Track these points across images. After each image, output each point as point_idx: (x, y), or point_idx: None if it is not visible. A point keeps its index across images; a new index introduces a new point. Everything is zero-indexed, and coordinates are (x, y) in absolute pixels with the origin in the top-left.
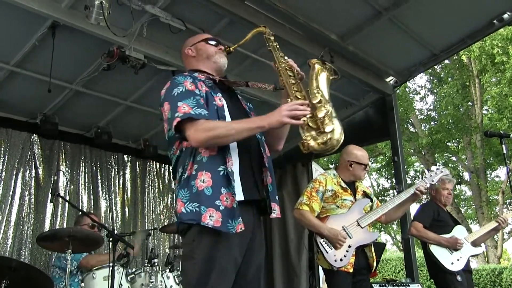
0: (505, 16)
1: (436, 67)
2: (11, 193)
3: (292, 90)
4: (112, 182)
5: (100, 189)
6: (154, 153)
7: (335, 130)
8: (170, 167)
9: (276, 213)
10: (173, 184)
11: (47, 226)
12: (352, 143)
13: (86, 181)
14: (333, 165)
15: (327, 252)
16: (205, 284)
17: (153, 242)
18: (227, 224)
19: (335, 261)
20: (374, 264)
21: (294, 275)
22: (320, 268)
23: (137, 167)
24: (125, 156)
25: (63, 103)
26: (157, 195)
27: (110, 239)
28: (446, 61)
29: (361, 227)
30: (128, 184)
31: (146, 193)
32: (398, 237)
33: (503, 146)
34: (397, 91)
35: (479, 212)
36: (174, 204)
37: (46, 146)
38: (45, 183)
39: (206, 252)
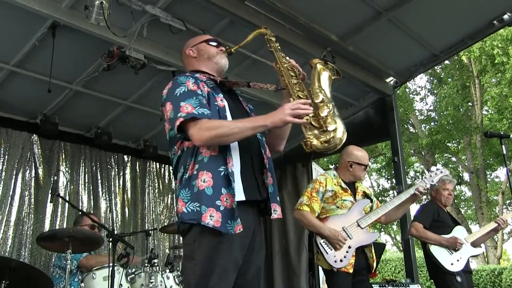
0: (505, 16)
1: (436, 67)
2: (11, 193)
3: (294, 90)
4: (112, 183)
5: (100, 189)
6: (154, 153)
7: (338, 129)
8: (170, 168)
9: (277, 214)
10: (173, 185)
11: (47, 226)
12: (352, 144)
13: (86, 181)
14: (333, 165)
15: (327, 253)
16: (205, 285)
17: (153, 242)
18: (226, 225)
19: (335, 261)
20: (374, 264)
21: (294, 275)
22: (320, 268)
23: (137, 168)
24: (125, 156)
25: (63, 103)
26: (157, 195)
27: (110, 239)
28: (446, 62)
29: (361, 227)
30: (128, 184)
31: (146, 193)
32: (398, 238)
33: (503, 146)
34: (397, 92)
35: (479, 213)
36: (175, 204)
37: (46, 146)
38: (45, 183)
39: (206, 253)
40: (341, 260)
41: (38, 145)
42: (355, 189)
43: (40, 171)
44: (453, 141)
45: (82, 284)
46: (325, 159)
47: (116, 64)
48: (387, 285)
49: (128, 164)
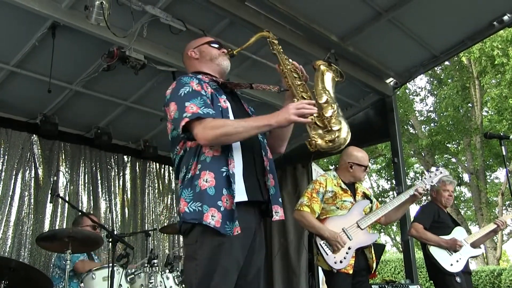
0: (505, 17)
1: (436, 68)
2: (10, 193)
3: (298, 91)
4: (112, 183)
5: (100, 189)
6: (154, 153)
7: (342, 129)
8: (170, 168)
9: (279, 215)
10: (173, 185)
11: (46, 227)
12: (352, 144)
13: (86, 181)
14: (333, 166)
15: (327, 254)
16: (207, 285)
17: (153, 242)
18: (225, 226)
19: (335, 263)
20: (374, 265)
21: (294, 276)
22: (319, 269)
23: (137, 168)
24: (125, 157)
25: (63, 103)
26: (157, 195)
27: (110, 239)
28: (446, 63)
29: (361, 228)
30: (128, 184)
31: (146, 193)
32: (398, 239)
33: (503, 147)
34: (397, 93)
35: (479, 214)
36: (175, 205)
37: (46, 146)
38: (44, 184)
39: (208, 253)
40: (341, 261)
41: (38, 145)
42: (355, 190)
43: (40, 172)
44: (453, 142)
45: (82, 285)
46: (325, 160)
47: (116, 65)
48: (386, 286)
49: (128, 165)
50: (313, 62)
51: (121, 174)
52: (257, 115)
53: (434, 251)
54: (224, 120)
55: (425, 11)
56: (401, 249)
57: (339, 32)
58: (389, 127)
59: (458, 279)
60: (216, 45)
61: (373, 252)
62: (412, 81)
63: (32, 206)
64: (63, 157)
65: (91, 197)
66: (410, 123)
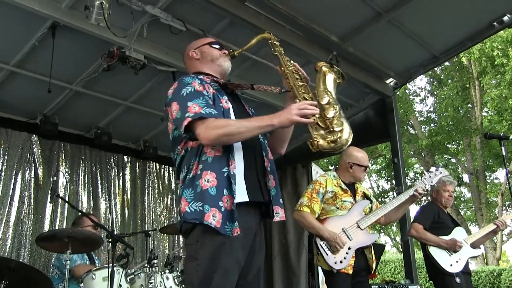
0: (505, 18)
1: (436, 69)
2: (10, 193)
3: (300, 92)
4: (112, 183)
5: (99, 189)
6: (154, 154)
7: (344, 129)
8: (170, 168)
9: (279, 216)
10: (173, 185)
11: (46, 227)
12: (352, 145)
13: (86, 181)
14: (333, 166)
15: (327, 254)
16: (208, 285)
17: (153, 243)
18: (225, 226)
19: (335, 263)
20: (374, 265)
21: (294, 276)
22: (319, 269)
23: (137, 168)
24: (125, 157)
25: (63, 103)
26: (156, 196)
27: (110, 240)
28: (446, 63)
29: (361, 228)
30: (128, 185)
31: (146, 194)
32: (398, 239)
33: (503, 148)
34: (397, 93)
35: (479, 214)
36: (175, 205)
37: (46, 146)
38: (44, 184)
39: (210, 253)
40: (341, 262)
41: (38, 145)
42: (355, 190)
43: (40, 172)
44: (453, 143)
45: (82, 285)
46: (325, 160)
47: (116, 65)
48: (386, 286)
49: (128, 165)
50: (315, 64)
51: (121, 174)
52: (257, 115)
53: (434, 251)
54: (227, 120)
55: (425, 11)
56: (401, 250)
57: (339, 33)
58: (389, 128)
59: (457, 280)
60: (217, 46)
61: (373, 252)
62: (412, 81)
63: (32, 206)
64: (63, 157)
65: (91, 197)
66: (410, 123)
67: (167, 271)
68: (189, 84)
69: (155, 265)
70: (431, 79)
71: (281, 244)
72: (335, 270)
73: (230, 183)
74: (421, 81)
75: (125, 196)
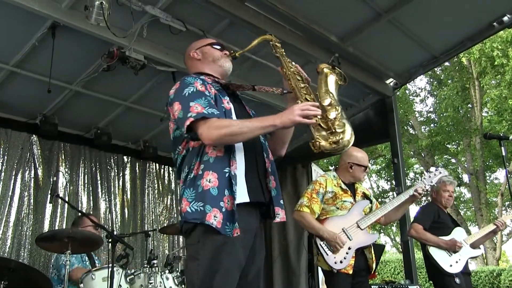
0: (505, 18)
1: (436, 69)
2: (10, 193)
3: (301, 93)
4: (112, 183)
5: (99, 190)
6: (154, 154)
7: (346, 131)
8: (170, 168)
9: (280, 217)
10: (172, 185)
11: (46, 227)
12: (352, 145)
13: (86, 182)
14: (333, 166)
15: (327, 254)
16: (209, 285)
17: (153, 243)
18: (225, 227)
19: (335, 263)
20: (374, 265)
21: (293, 276)
22: (319, 269)
23: (137, 168)
24: (124, 157)
25: (63, 103)
26: (156, 196)
27: (110, 240)
28: (446, 63)
29: (361, 228)
30: (128, 185)
31: (146, 194)
32: (398, 239)
33: (502, 148)
34: (397, 93)
35: (478, 214)
36: (174, 206)
37: (46, 146)
38: (44, 184)
39: (211, 253)
40: (341, 262)
41: (38, 145)
42: (355, 190)
43: (40, 172)
44: (453, 143)
45: (81, 285)
46: (325, 161)
47: (116, 65)
48: (386, 287)
49: (128, 165)
50: (317, 66)
51: (121, 174)
52: (256, 115)
53: (434, 251)
54: (229, 120)
55: (425, 11)
56: (401, 250)
57: (339, 33)
58: (389, 128)
59: (457, 280)
60: (219, 47)
61: (372, 252)
62: (412, 81)
63: (32, 207)
64: (63, 157)
65: (91, 198)
66: (410, 123)
67: (167, 271)
68: (191, 84)
69: (155, 265)
70: (431, 79)
71: (281, 245)
72: (335, 270)
73: (231, 183)
74: (421, 81)
75: (125, 196)
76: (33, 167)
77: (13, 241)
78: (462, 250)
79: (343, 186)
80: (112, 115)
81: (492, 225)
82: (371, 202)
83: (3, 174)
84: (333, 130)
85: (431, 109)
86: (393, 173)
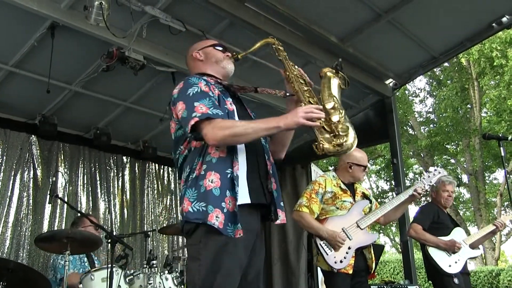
0: (504, 19)
1: (435, 69)
2: (9, 194)
3: (305, 96)
4: (111, 184)
5: (99, 190)
6: (154, 154)
7: (350, 134)
8: (170, 169)
9: (280, 219)
10: (172, 186)
11: (45, 227)
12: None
13: (85, 182)
14: (332, 167)
15: (327, 254)
16: (210, 286)
17: (152, 243)
18: (227, 228)
19: (335, 263)
20: (373, 265)
21: (293, 277)
22: (319, 269)
23: (136, 169)
24: (124, 158)
25: (62, 104)
26: (156, 196)
27: (109, 240)
28: (445, 64)
29: (360, 228)
30: (127, 185)
31: (145, 194)
32: (397, 239)
33: (501, 148)
34: (397, 94)
35: (477, 214)
36: (174, 206)
37: (45, 147)
38: (43, 184)
39: (212, 254)
40: (341, 261)
41: (37, 146)
42: (354, 190)
43: (39, 172)
44: (452, 143)
45: (81, 286)
46: (324, 161)
47: (116, 65)
48: (385, 287)
49: (127, 165)
50: (320, 70)
51: (120, 174)
52: (257, 116)
53: (433, 252)
54: (233, 121)
55: (424, 12)
56: (400, 250)
57: (339, 33)
58: (389, 128)
59: (456, 280)
60: (221, 48)
61: (372, 252)
62: (411, 82)
63: (31, 207)
64: (62, 157)
65: (90, 198)
66: (410, 124)
67: (166, 271)
68: (195, 84)
69: (154, 265)
70: (431, 80)
71: (280, 245)
72: (335, 270)
73: (233, 184)
74: (420, 82)
75: (124, 197)
76: (32, 168)
77: (12, 242)
78: (462, 251)
79: (343, 186)
80: (112, 116)
81: (491, 225)
82: (370, 202)
83: (2, 174)
84: (337, 133)
85: (431, 110)
86: (392, 173)
